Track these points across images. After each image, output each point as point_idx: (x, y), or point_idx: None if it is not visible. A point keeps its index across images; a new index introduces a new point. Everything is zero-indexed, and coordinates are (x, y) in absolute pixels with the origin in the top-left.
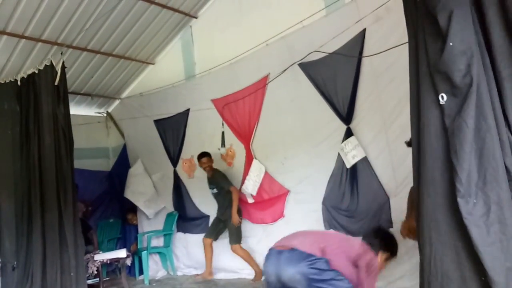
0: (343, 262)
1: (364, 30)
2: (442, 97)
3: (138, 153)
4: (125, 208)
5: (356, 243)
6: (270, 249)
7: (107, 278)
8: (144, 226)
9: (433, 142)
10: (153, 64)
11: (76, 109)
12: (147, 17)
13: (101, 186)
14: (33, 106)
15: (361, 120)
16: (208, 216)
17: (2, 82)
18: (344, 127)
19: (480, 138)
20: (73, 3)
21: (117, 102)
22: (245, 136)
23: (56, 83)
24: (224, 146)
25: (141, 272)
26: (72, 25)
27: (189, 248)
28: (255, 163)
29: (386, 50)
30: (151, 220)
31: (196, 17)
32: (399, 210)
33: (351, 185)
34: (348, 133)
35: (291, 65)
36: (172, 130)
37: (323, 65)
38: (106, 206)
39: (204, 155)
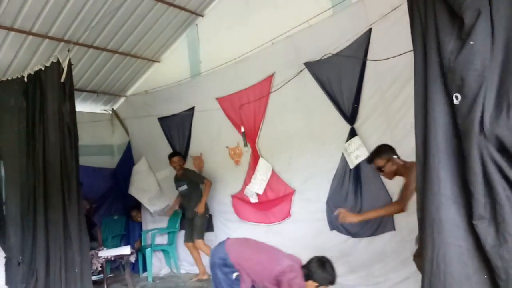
0: (259, 277)
1: (370, 30)
2: (456, 97)
3: (142, 150)
4: (130, 205)
5: (285, 262)
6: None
7: (111, 275)
8: (148, 224)
9: (440, 142)
10: (158, 62)
11: (81, 106)
12: (153, 15)
13: (106, 183)
14: (39, 102)
15: (365, 121)
16: (210, 216)
17: (9, 78)
18: (348, 127)
19: None
20: (80, 0)
21: (122, 99)
22: (251, 135)
23: (62, 80)
24: (246, 146)
25: (144, 269)
26: (79, 22)
27: None
28: (261, 162)
29: (394, 56)
30: (155, 218)
31: (202, 16)
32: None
33: (355, 186)
34: (352, 133)
35: (301, 70)
36: (177, 128)
37: (329, 65)
38: (111, 203)
39: (175, 154)
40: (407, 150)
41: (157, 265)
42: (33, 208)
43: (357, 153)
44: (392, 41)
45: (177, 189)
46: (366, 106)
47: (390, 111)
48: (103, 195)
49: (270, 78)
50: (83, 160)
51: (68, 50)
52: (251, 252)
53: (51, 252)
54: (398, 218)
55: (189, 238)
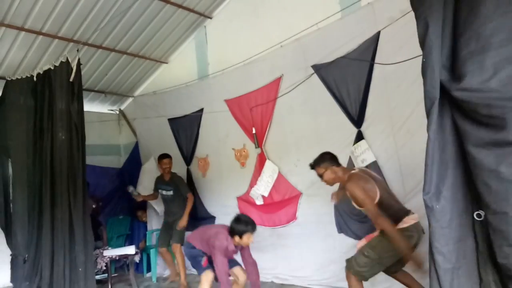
0: (202, 245)
1: (379, 33)
2: None
3: (150, 150)
4: (135, 205)
5: (213, 231)
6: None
7: (115, 274)
8: (153, 224)
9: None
10: (166, 63)
11: (89, 106)
12: (162, 17)
13: (112, 182)
14: (48, 102)
15: (371, 124)
16: (214, 218)
17: (19, 77)
18: (355, 130)
19: None
20: (90, 1)
21: (129, 100)
22: (258, 137)
23: (71, 80)
24: (257, 147)
25: (149, 269)
26: (89, 23)
27: None
28: (268, 164)
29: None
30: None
31: (210, 18)
32: None
33: None
34: (359, 137)
35: (311, 75)
36: (186, 129)
37: (336, 67)
38: (116, 203)
39: (166, 156)
40: (410, 157)
41: (162, 265)
42: (39, 207)
43: (363, 156)
44: (399, 45)
45: (160, 192)
46: (372, 109)
47: (394, 115)
48: (109, 194)
49: (278, 80)
50: (90, 160)
51: (77, 50)
52: (200, 235)
53: (56, 251)
54: None
55: (164, 243)
